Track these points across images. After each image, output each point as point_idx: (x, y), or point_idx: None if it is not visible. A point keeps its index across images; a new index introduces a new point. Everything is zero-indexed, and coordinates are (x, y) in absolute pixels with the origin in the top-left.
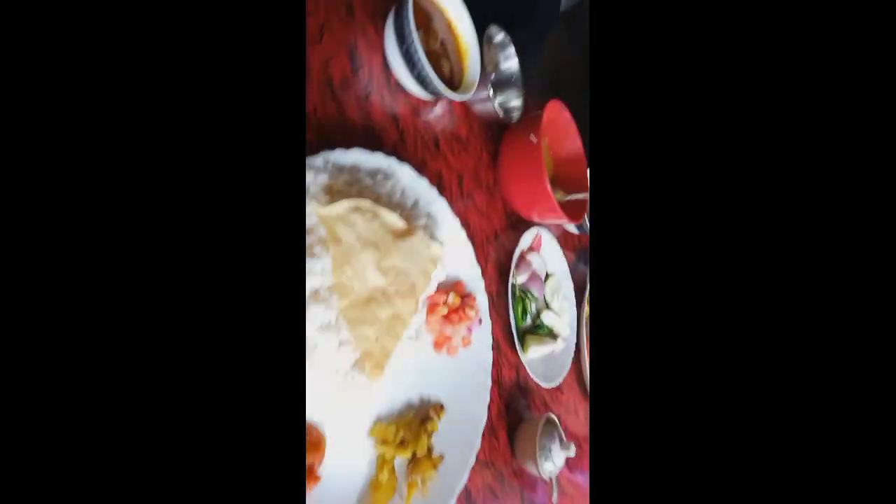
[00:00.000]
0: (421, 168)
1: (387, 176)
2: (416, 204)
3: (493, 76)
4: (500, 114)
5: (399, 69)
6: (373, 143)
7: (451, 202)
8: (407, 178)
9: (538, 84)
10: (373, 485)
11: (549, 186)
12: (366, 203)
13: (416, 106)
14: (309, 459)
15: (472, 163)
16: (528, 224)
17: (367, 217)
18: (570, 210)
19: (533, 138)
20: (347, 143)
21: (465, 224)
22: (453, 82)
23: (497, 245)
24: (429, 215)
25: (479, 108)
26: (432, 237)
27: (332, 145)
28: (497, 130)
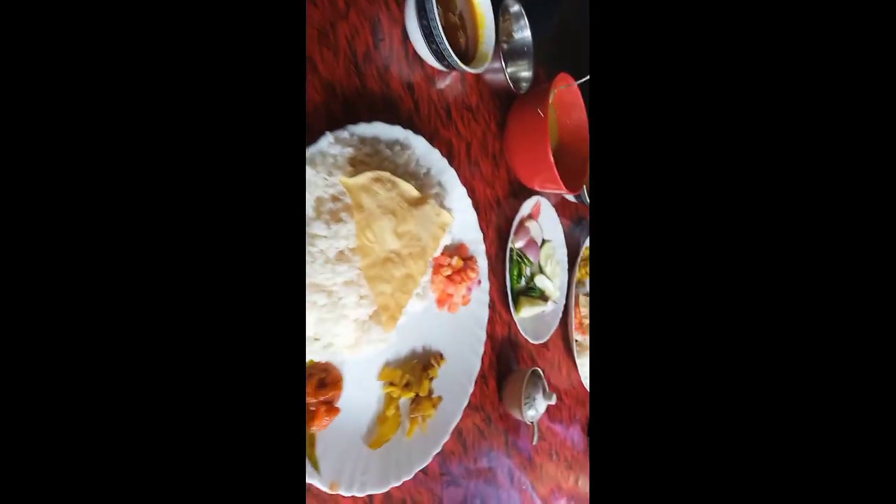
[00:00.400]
0: (433, 137)
1: (403, 147)
2: (428, 173)
3: (505, 46)
4: (511, 85)
5: (418, 42)
6: (391, 113)
7: (459, 171)
8: (421, 149)
9: (549, 54)
10: (380, 419)
11: (551, 158)
12: (385, 174)
13: (432, 76)
14: (331, 394)
15: (481, 131)
16: (529, 192)
17: (387, 187)
18: (569, 181)
19: (540, 113)
20: (370, 116)
21: (471, 191)
22: (468, 54)
23: (499, 211)
24: (439, 184)
25: (490, 77)
26: (442, 205)
27: (355, 119)
28: (506, 100)
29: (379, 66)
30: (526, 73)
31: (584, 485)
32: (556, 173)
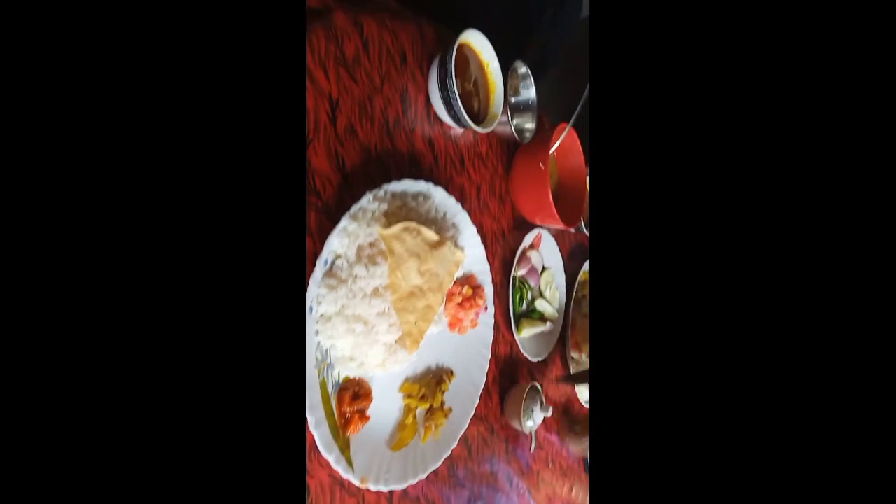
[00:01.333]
0: (449, 184)
1: (426, 197)
2: (444, 217)
3: (512, 100)
4: (516, 136)
5: (439, 108)
6: (415, 168)
7: (470, 212)
8: (440, 197)
9: (551, 106)
10: (400, 426)
11: (552, 200)
12: (412, 224)
13: (449, 132)
14: (363, 404)
15: (489, 175)
16: (531, 225)
17: (413, 234)
18: (568, 217)
19: (541, 166)
20: (399, 174)
21: (480, 227)
22: (480, 115)
23: (504, 243)
24: (454, 225)
25: (499, 129)
26: (456, 244)
27: (387, 176)
28: (512, 146)
29: (406, 128)
30: (530, 125)
31: (577, 493)
32: (556, 213)
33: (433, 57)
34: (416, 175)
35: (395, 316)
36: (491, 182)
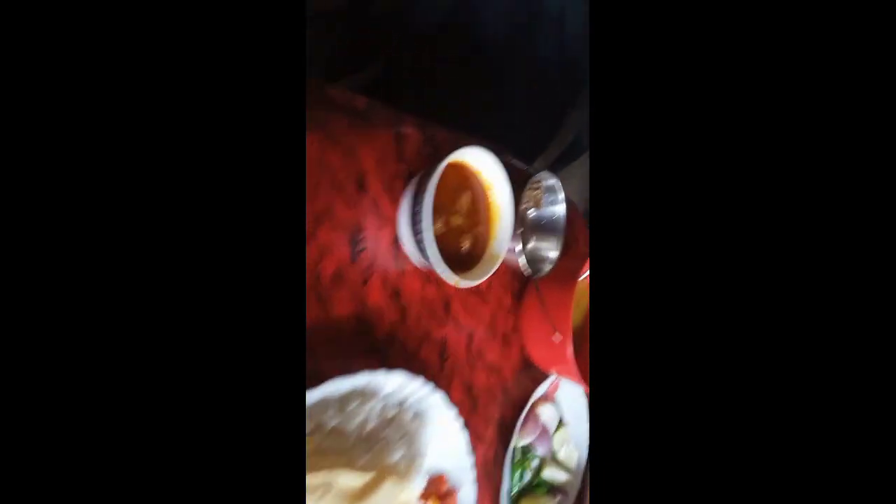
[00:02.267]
0: (421, 343)
1: (364, 398)
2: (401, 410)
3: (531, 215)
4: (527, 271)
5: (411, 250)
6: (358, 343)
7: (451, 377)
8: (392, 387)
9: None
10: None
11: (571, 356)
12: (318, 477)
13: (426, 274)
14: None
15: (490, 312)
16: (544, 373)
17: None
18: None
19: (557, 337)
20: (326, 367)
21: (468, 392)
22: (473, 256)
23: (503, 400)
24: (417, 417)
25: (506, 258)
26: (404, 476)
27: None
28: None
29: (353, 282)
30: (552, 253)
31: None
32: (577, 371)
33: (415, 175)
34: (358, 353)
35: None
36: (492, 321)
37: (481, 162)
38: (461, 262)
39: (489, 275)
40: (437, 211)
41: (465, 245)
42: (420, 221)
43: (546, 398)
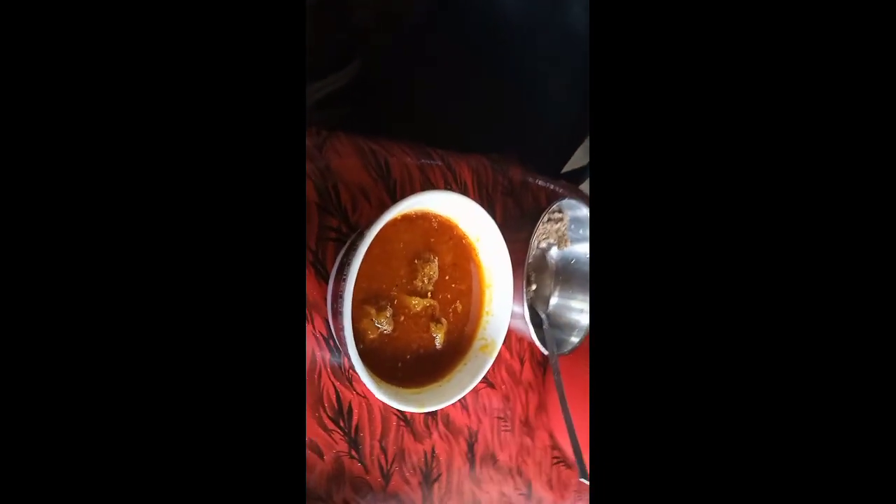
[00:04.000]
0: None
1: None
2: None
3: (553, 258)
4: (542, 350)
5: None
6: None
7: None
8: None
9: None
10: None
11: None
12: None
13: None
14: None
15: (489, 420)
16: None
17: None
18: None
19: (584, 481)
20: None
21: None
22: (454, 349)
23: None
24: None
25: (513, 327)
26: None
27: None
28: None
29: None
30: (584, 318)
31: None
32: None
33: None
34: None
35: None
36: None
37: (456, 210)
38: (427, 368)
39: (477, 381)
40: (374, 298)
41: (437, 339)
42: (339, 320)
43: None
